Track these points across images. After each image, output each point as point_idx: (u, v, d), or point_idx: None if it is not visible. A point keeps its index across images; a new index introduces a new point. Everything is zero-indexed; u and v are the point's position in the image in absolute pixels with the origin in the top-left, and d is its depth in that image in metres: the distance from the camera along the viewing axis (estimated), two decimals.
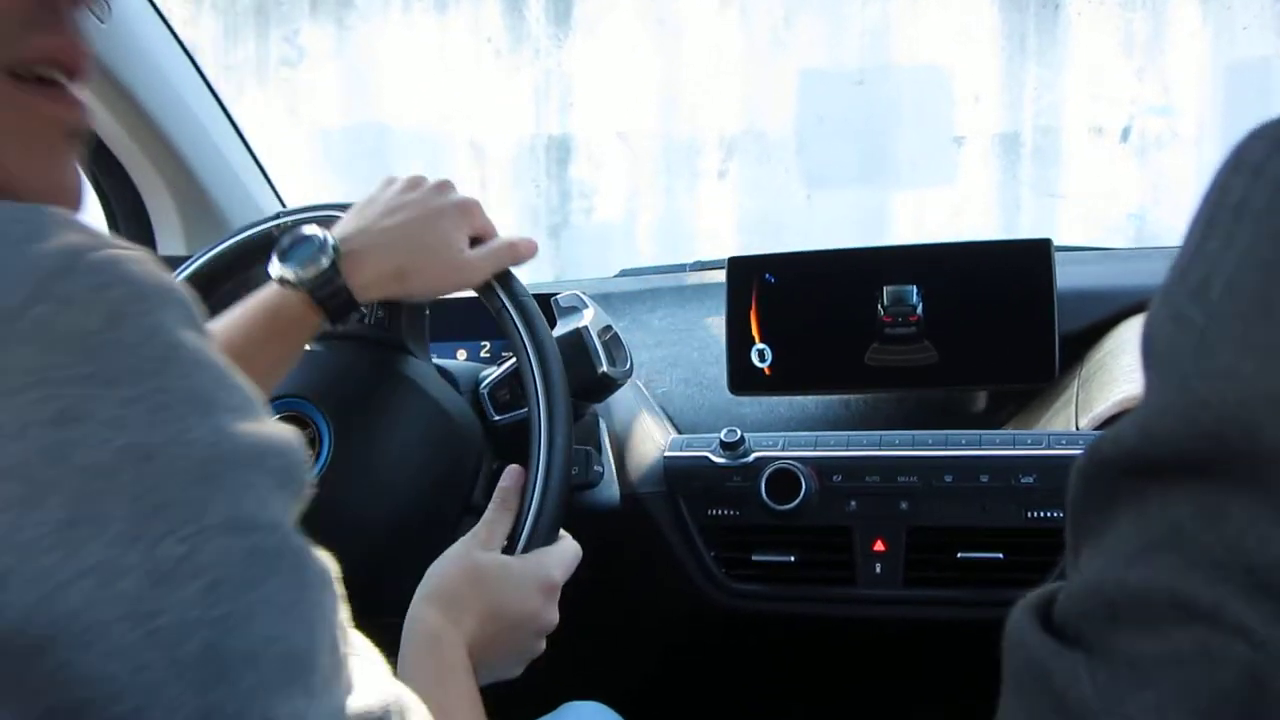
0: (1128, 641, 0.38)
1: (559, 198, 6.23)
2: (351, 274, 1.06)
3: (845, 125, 5.67)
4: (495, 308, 1.13)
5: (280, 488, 0.50)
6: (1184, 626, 0.36)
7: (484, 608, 0.96)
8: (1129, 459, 0.40)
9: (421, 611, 0.94)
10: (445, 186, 1.11)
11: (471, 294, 1.17)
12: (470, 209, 1.11)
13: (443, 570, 0.98)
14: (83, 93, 0.61)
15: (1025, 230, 5.42)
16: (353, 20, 6.44)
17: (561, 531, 1.09)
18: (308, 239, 1.07)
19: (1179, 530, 0.38)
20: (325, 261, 1.05)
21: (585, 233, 6.17)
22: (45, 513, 0.43)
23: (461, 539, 1.02)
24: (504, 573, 0.99)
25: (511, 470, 1.08)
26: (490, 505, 1.06)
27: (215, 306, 1.31)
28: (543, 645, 1.03)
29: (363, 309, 1.12)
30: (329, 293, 1.05)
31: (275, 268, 1.06)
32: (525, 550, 1.04)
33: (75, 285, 0.46)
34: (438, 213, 1.09)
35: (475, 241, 1.11)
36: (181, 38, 1.60)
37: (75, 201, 0.61)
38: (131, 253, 0.49)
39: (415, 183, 1.12)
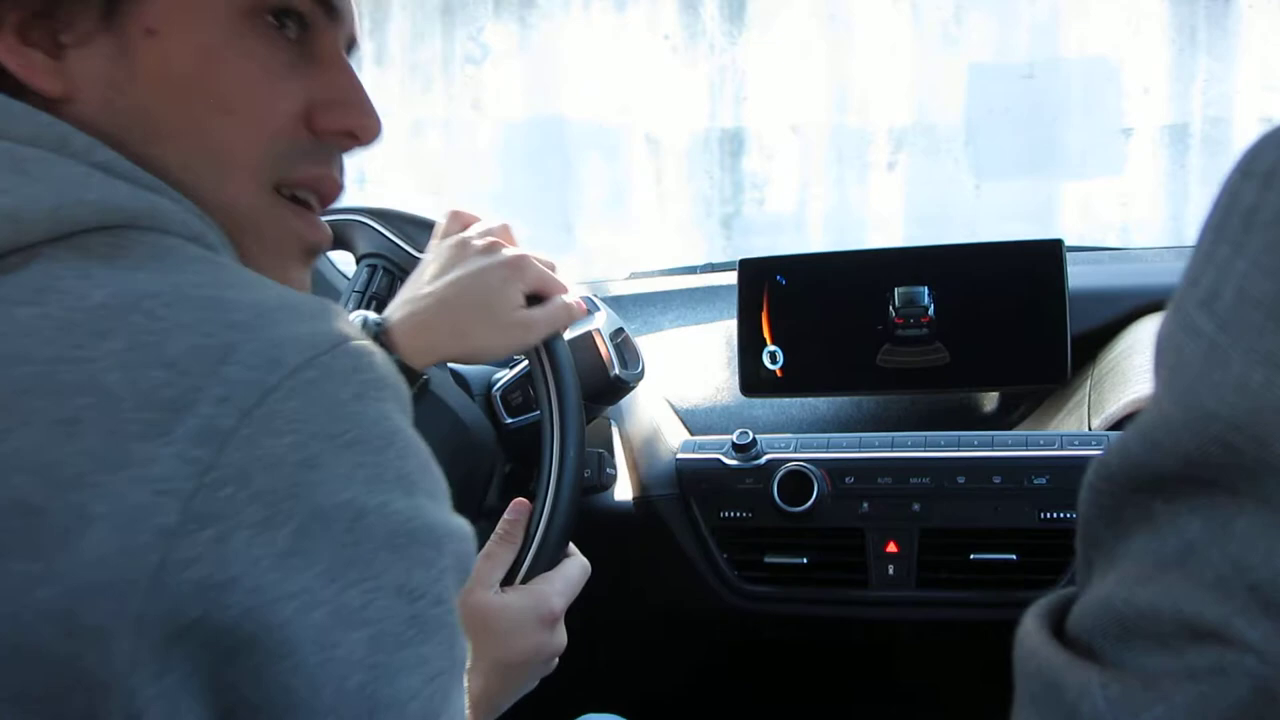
0: (1140, 657, 0.38)
1: (731, 188, 6.30)
2: (403, 343, 1.03)
3: (1014, 117, 5.76)
4: None
5: (452, 570, 0.57)
6: (1194, 644, 0.36)
7: (489, 659, 0.97)
8: (1136, 473, 0.40)
9: None
10: (494, 245, 1.07)
11: None
12: (523, 266, 1.06)
13: None
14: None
15: (1193, 222, 5.52)
16: (535, 19, 6.63)
17: (570, 548, 1.09)
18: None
19: (1188, 548, 0.38)
20: (371, 333, 1.01)
21: (757, 223, 6.21)
22: (276, 535, 0.50)
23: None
24: (504, 615, 0.99)
25: (516, 504, 1.07)
26: (492, 537, 1.05)
27: None
28: (554, 665, 1.03)
29: (423, 373, 1.07)
30: None
31: None
32: (527, 578, 1.04)
33: (339, 363, 0.54)
34: (488, 271, 1.04)
35: (533, 299, 1.06)
36: None
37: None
38: (375, 347, 0.58)
39: (462, 243, 1.07)
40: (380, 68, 7.68)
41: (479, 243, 1.06)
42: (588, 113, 6.62)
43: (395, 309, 1.05)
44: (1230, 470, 0.36)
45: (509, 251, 1.06)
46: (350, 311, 1.23)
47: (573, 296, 1.09)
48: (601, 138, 6.63)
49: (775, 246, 5.99)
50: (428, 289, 1.04)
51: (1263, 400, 0.35)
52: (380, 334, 1.02)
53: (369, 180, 7.80)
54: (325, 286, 1.77)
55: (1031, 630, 0.43)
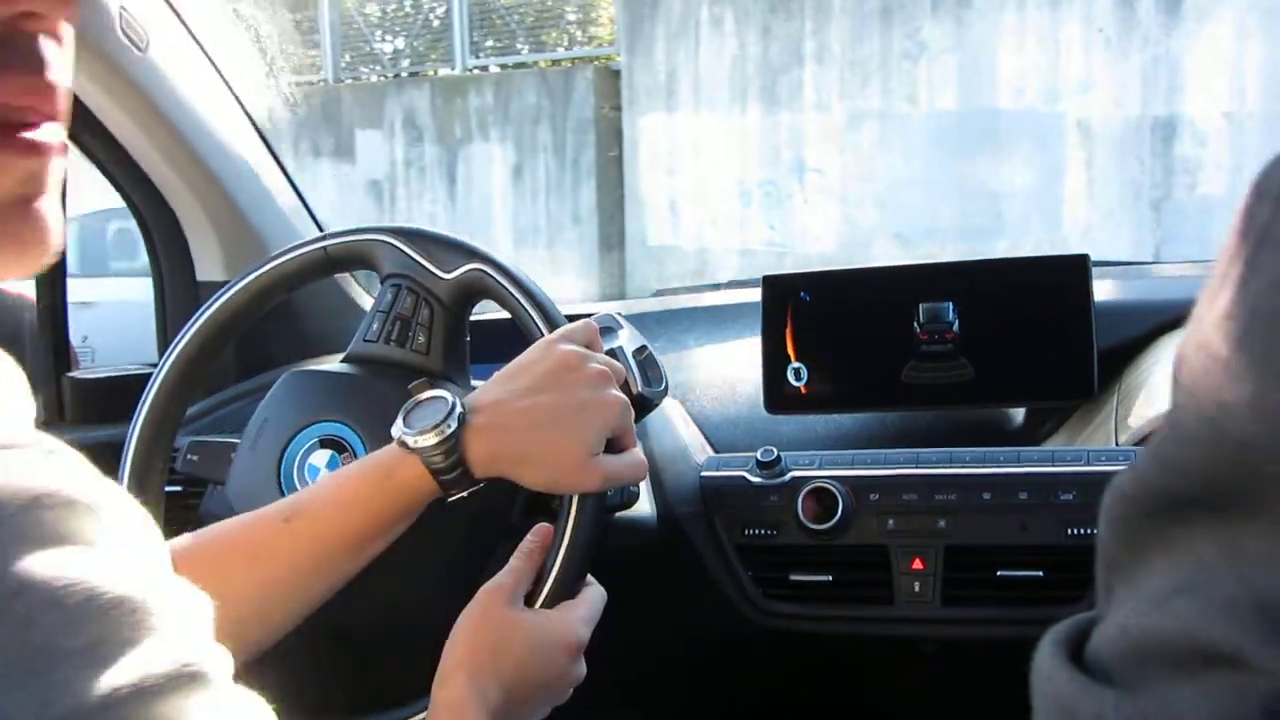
0: (1155, 683, 0.38)
1: (1162, 173, 6.98)
2: (473, 449, 0.99)
3: None
4: (529, 331, 1.14)
5: None
6: (1207, 668, 0.36)
7: (510, 675, 0.96)
8: (1151, 495, 0.40)
9: (448, 680, 0.94)
10: (603, 379, 1.02)
11: (507, 315, 1.18)
12: (617, 411, 1.02)
13: (468, 634, 0.97)
14: (54, 133, 0.56)
15: None
16: (971, 18, 7.46)
17: (589, 579, 1.08)
18: (436, 402, 1.01)
19: (1203, 571, 0.37)
20: (447, 431, 0.98)
21: (1187, 206, 6.88)
22: None
23: (489, 588, 1.01)
24: (529, 636, 0.98)
25: (540, 529, 1.07)
26: (515, 554, 1.05)
27: (257, 324, 1.33)
28: (569, 695, 1.03)
29: (472, 475, 1.01)
30: (445, 465, 0.98)
31: (398, 427, 1.00)
32: (548, 601, 1.03)
33: None
34: (582, 407, 1.00)
35: (609, 445, 1.02)
36: (218, 64, 1.62)
37: (37, 257, 0.56)
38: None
39: (572, 364, 1.02)
40: (820, 65, 8.08)
41: (592, 370, 1.02)
42: (1019, 103, 7.31)
43: (480, 404, 1.01)
44: (1245, 491, 0.36)
45: (614, 393, 1.02)
46: (380, 335, 1.24)
47: (640, 453, 1.06)
48: (1032, 127, 7.23)
49: (1204, 232, 6.52)
50: (524, 401, 1.00)
51: (1277, 421, 0.35)
52: (460, 431, 0.99)
53: (809, 168, 8.17)
54: (351, 305, 1.78)
55: (1048, 654, 0.43)
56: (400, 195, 10.50)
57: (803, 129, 8.27)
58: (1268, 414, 0.35)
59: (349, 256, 1.26)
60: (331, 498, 1.00)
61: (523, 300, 1.16)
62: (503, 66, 10.42)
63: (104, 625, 0.44)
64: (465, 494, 1.02)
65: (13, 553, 0.43)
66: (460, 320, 1.24)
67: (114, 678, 0.43)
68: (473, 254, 1.20)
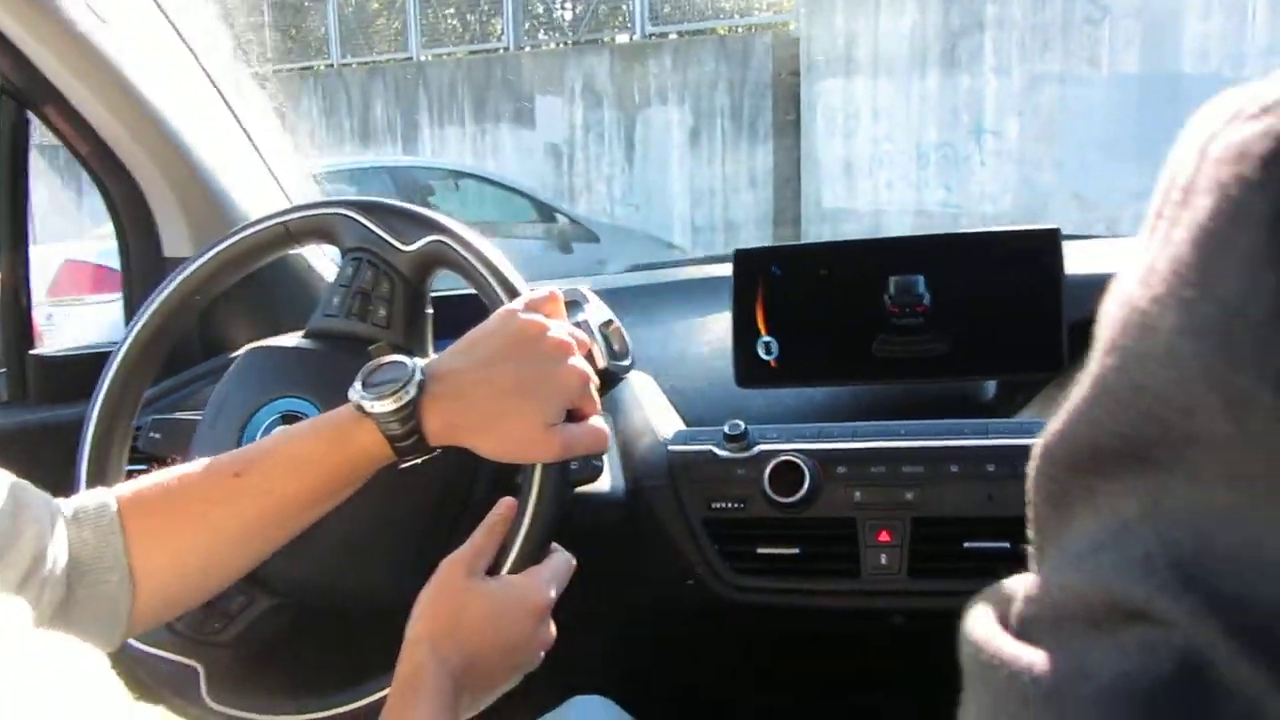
0: (1073, 638, 0.38)
1: None
2: (429, 416, 0.98)
3: None
4: (490, 301, 1.13)
5: None
6: (1123, 623, 0.36)
7: (473, 643, 0.95)
8: (1077, 451, 0.40)
9: (409, 652, 0.94)
10: (564, 349, 1.01)
11: (472, 291, 1.17)
12: (577, 382, 1.01)
13: (428, 606, 0.97)
14: None
15: None
16: None
17: (554, 545, 1.08)
18: (395, 368, 1.00)
19: (1123, 527, 0.37)
20: (405, 398, 0.97)
21: None
22: None
23: (449, 560, 1.00)
24: (492, 603, 0.98)
25: (503, 503, 1.06)
26: (478, 529, 1.04)
27: (220, 303, 1.32)
28: (540, 659, 1.02)
29: (428, 443, 1.00)
30: (401, 433, 0.97)
31: (355, 390, 0.99)
32: (514, 570, 1.03)
33: None
34: (543, 381, 0.99)
35: (570, 416, 1.02)
36: (184, 36, 1.61)
37: None
38: None
39: (533, 334, 1.01)
40: (1001, 29, 8.28)
41: (553, 339, 1.01)
42: (1203, 68, 7.64)
43: (439, 372, 1.00)
44: (1162, 445, 0.36)
45: (575, 363, 1.01)
46: (341, 309, 1.23)
47: (601, 421, 1.05)
48: (1216, 92, 7.36)
49: None
50: (483, 370, 0.99)
51: (1189, 371, 0.35)
52: (419, 398, 0.98)
53: (986, 130, 8.36)
54: (312, 279, 1.77)
55: (975, 615, 0.42)
56: (579, 159, 10.83)
57: (981, 92, 8.69)
58: (1181, 366, 0.35)
59: (309, 231, 1.25)
60: (284, 457, 0.99)
61: (484, 271, 1.15)
62: (680, 34, 10.70)
63: None
64: (419, 461, 1.01)
65: None
66: (421, 293, 1.23)
67: None
68: (433, 225, 1.19)
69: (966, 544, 1.33)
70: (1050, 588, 0.40)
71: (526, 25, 11.68)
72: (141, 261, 1.71)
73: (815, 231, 9.33)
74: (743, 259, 1.55)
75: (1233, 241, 0.35)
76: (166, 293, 1.25)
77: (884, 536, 1.36)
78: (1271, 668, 0.32)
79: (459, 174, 9.70)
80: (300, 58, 13.77)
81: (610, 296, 1.61)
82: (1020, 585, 0.43)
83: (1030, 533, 0.44)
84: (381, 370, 1.00)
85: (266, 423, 1.21)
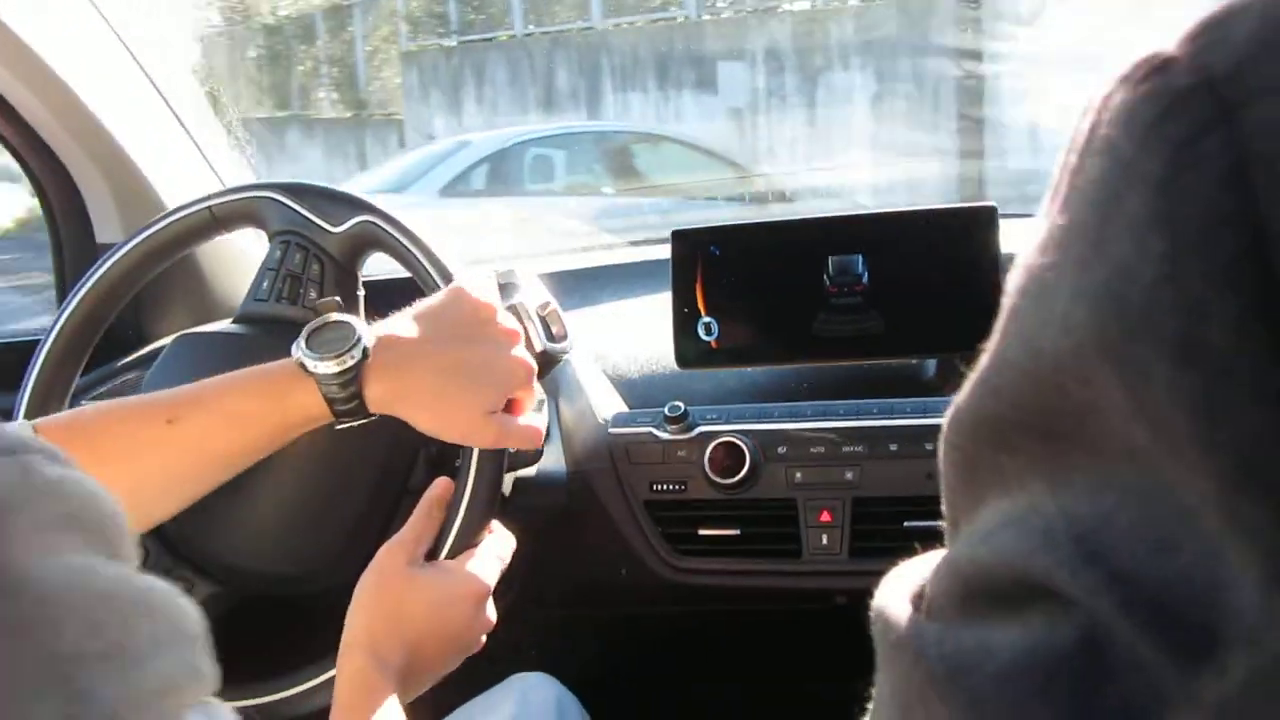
0: (978, 615, 0.37)
1: None
2: (371, 383, 0.97)
3: None
4: (424, 284, 1.12)
5: None
6: (1026, 599, 0.35)
7: (413, 635, 0.95)
8: (982, 423, 0.40)
9: (348, 654, 0.93)
10: (512, 337, 1.01)
11: (405, 276, 1.16)
12: (522, 374, 1.01)
13: (368, 601, 0.96)
14: None
15: None
16: None
17: (493, 525, 1.07)
18: (341, 329, 0.98)
19: (1029, 502, 0.37)
20: (349, 362, 0.96)
21: None
22: None
23: (388, 547, 0.99)
24: (434, 592, 0.97)
25: (439, 483, 1.06)
26: (415, 513, 1.03)
27: (154, 291, 1.30)
28: (482, 644, 1.02)
29: (366, 409, 1.00)
30: (342, 396, 0.97)
31: (299, 347, 0.98)
32: (451, 554, 1.02)
33: None
34: (489, 366, 0.99)
35: (507, 404, 1.02)
36: (107, 17, 1.58)
37: None
38: None
39: (484, 318, 1.01)
40: None
41: (502, 326, 1.01)
42: None
43: (387, 340, 0.99)
44: (1062, 415, 0.36)
45: (521, 353, 1.01)
46: (270, 293, 1.21)
47: (538, 420, 1.05)
48: None
49: None
50: (428, 348, 0.98)
51: (1084, 336, 0.34)
52: (363, 363, 0.97)
53: None
54: (246, 265, 1.75)
55: (884, 591, 0.42)
56: (761, 123, 10.88)
57: None
58: (1075, 332, 0.34)
59: (236, 215, 1.23)
60: (220, 411, 0.97)
61: (415, 251, 1.14)
62: None
63: (124, 629, 0.42)
64: (354, 424, 1.00)
65: (30, 559, 0.41)
66: (352, 274, 1.21)
67: (137, 680, 0.42)
68: (361, 206, 1.18)
69: (907, 523, 1.34)
70: (959, 564, 0.40)
71: None
72: (74, 248, 1.68)
73: (1000, 197, 9.49)
74: (681, 238, 1.54)
75: (1122, 204, 0.34)
76: (94, 280, 1.23)
77: (825, 517, 1.36)
78: (1168, 643, 0.32)
79: (658, 137, 10.00)
80: (485, 29, 14.21)
81: (550, 280, 1.60)
82: (931, 563, 0.43)
83: (945, 509, 0.44)
84: (327, 329, 0.99)
85: None
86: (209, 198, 1.23)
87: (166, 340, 1.49)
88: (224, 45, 21.13)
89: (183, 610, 0.47)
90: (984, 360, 0.40)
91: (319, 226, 1.18)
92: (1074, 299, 0.34)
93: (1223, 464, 0.31)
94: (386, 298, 1.41)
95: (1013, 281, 0.39)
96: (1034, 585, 0.35)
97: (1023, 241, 0.40)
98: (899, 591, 0.42)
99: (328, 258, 1.18)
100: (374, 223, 1.17)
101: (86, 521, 0.44)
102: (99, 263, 1.23)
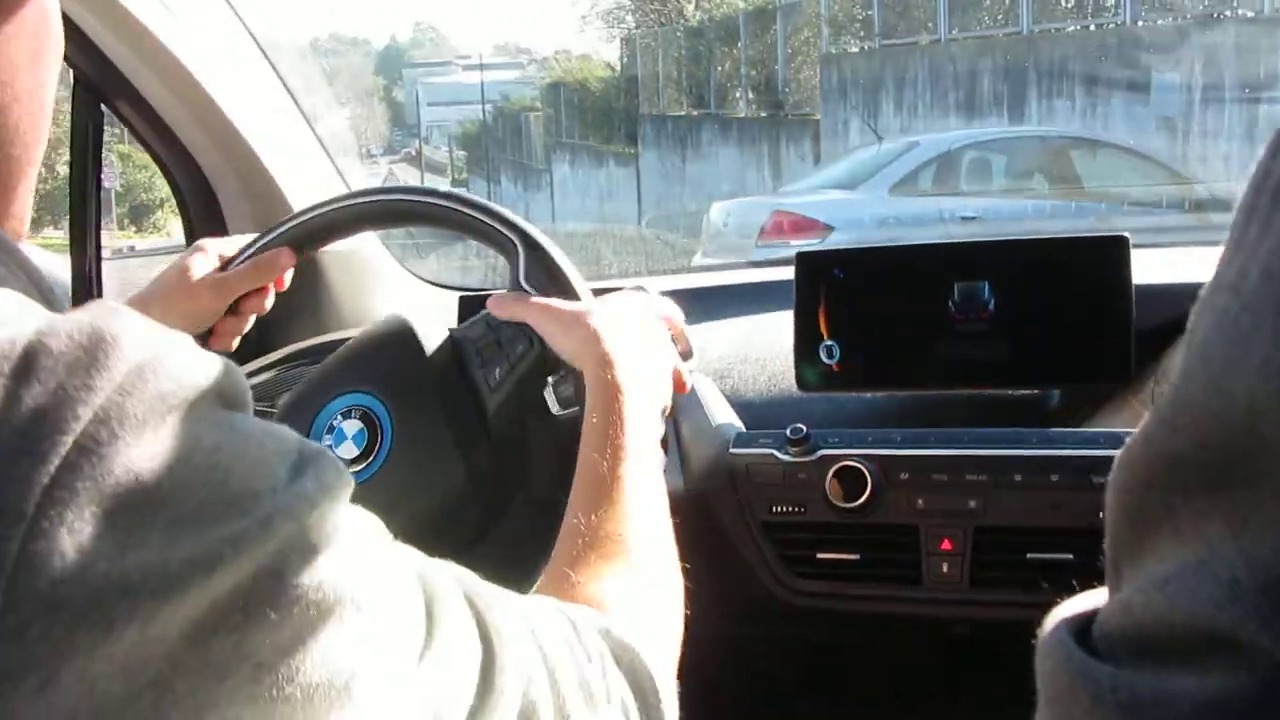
0: (1156, 662, 0.37)
1: None
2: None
3: None
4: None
5: None
6: (1207, 650, 0.35)
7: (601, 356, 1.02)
8: (1158, 463, 0.39)
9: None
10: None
11: None
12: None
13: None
14: None
15: None
16: None
17: None
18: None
19: (1207, 549, 0.36)
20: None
21: None
22: None
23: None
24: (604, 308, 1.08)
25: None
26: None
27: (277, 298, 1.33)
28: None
29: None
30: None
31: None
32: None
33: None
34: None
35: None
36: (248, 25, 1.62)
37: None
38: None
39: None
40: None
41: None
42: None
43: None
44: (1251, 459, 0.35)
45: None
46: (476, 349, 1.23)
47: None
48: None
49: None
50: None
51: None
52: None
53: None
54: (365, 276, 1.78)
55: (1051, 631, 0.42)
56: (1194, 133, 10.88)
57: None
58: (1275, 377, 0.33)
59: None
60: None
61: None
62: None
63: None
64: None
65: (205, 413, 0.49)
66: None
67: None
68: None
69: (1029, 555, 1.32)
70: (1133, 609, 0.39)
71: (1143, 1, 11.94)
72: None
73: None
74: (805, 261, 1.54)
75: None
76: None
77: (946, 545, 1.35)
78: None
79: (1097, 143, 10.25)
80: (907, 33, 14.52)
81: (674, 297, 1.61)
82: (1098, 603, 0.42)
83: (1107, 548, 0.43)
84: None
85: (334, 415, 1.20)
86: (337, 199, 1.25)
87: (304, 344, 1.52)
88: (648, 47, 21.72)
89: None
90: (1165, 400, 0.39)
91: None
92: (1276, 344, 0.34)
93: None
94: None
95: (1197, 321, 0.38)
96: (1217, 636, 0.35)
97: (1171, 282, 0.39)
98: (1065, 631, 0.41)
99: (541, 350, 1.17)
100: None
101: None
102: (307, 210, 1.25)
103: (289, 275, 1.24)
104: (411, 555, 0.61)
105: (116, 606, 0.43)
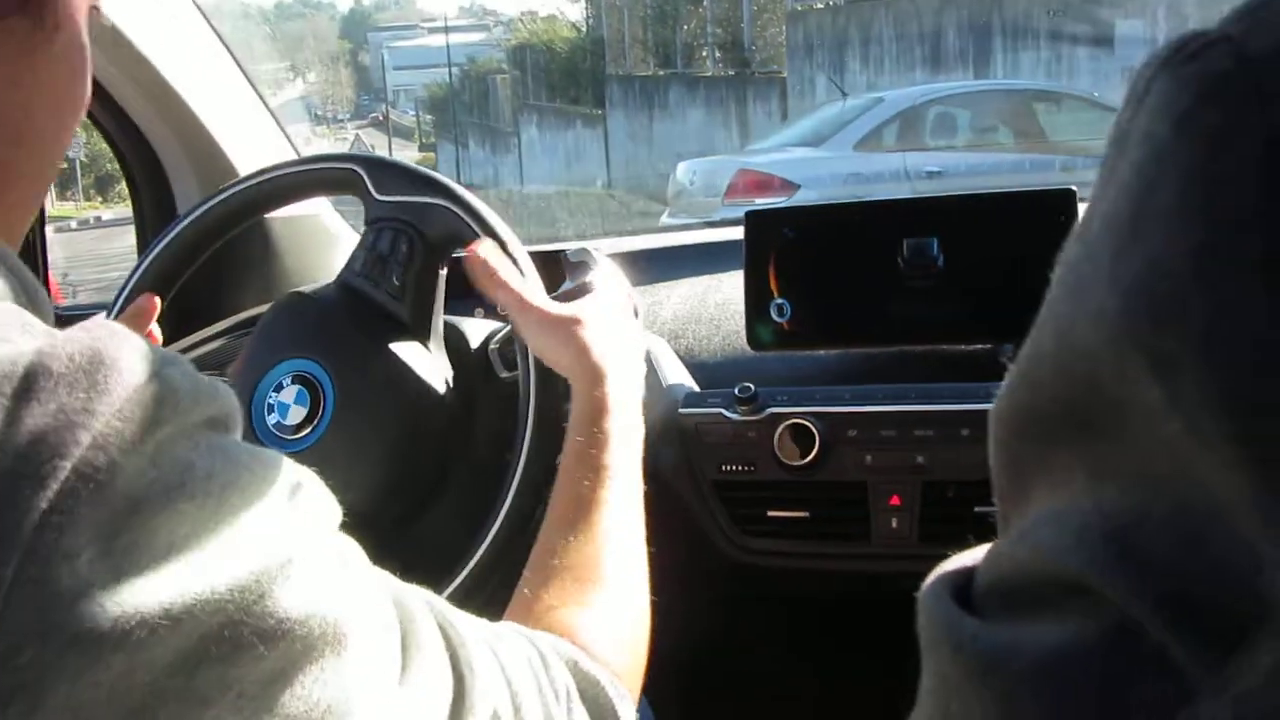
0: (1016, 612, 0.37)
1: None
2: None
3: None
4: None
5: None
6: (1063, 596, 0.35)
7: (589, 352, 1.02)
8: (1021, 417, 0.39)
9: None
10: None
11: None
12: None
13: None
14: None
15: None
16: None
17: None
18: None
19: (1071, 499, 0.36)
20: None
21: None
22: None
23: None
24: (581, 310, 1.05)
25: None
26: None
27: (226, 265, 1.32)
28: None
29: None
30: None
31: None
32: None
33: None
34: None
35: None
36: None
37: None
38: None
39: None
40: None
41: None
42: None
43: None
44: (1098, 409, 0.35)
45: None
46: (363, 269, 1.23)
47: None
48: None
49: None
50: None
51: (1117, 330, 0.33)
52: None
53: None
54: (317, 239, 1.77)
55: (929, 584, 0.42)
56: None
57: None
58: (1110, 326, 0.34)
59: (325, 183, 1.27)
60: None
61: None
62: None
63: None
64: None
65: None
66: (442, 255, 1.23)
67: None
68: (442, 191, 1.20)
69: (977, 508, 1.32)
70: (1000, 560, 0.40)
71: None
72: (156, 219, 1.71)
73: None
74: (755, 220, 1.54)
75: (1157, 194, 0.33)
76: (167, 240, 1.27)
77: (895, 500, 1.35)
78: (1196, 636, 0.32)
79: (1062, 95, 10.37)
80: None
81: (623, 260, 1.60)
82: (975, 558, 0.43)
83: (995, 502, 0.44)
84: None
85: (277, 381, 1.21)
86: (293, 164, 1.25)
87: (254, 311, 1.51)
88: (613, 6, 21.60)
89: None
90: (1023, 352, 0.39)
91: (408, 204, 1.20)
92: (1109, 291, 0.34)
93: (1254, 457, 0.30)
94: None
95: (1055, 273, 0.39)
96: (1069, 583, 0.35)
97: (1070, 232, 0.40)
98: (944, 584, 0.42)
99: (420, 239, 1.20)
100: (451, 209, 1.18)
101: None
102: (172, 224, 1.26)
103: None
104: (387, 581, 0.62)
105: (108, 635, 0.43)
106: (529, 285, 1.07)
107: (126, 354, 0.48)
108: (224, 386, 0.52)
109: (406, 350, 1.19)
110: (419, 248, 1.21)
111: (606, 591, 0.87)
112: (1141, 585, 0.33)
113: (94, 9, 0.62)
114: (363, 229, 1.25)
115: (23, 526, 0.43)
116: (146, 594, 0.44)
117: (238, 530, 0.48)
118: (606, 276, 1.15)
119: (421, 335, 1.23)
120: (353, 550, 0.58)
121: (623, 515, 0.94)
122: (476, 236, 1.16)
